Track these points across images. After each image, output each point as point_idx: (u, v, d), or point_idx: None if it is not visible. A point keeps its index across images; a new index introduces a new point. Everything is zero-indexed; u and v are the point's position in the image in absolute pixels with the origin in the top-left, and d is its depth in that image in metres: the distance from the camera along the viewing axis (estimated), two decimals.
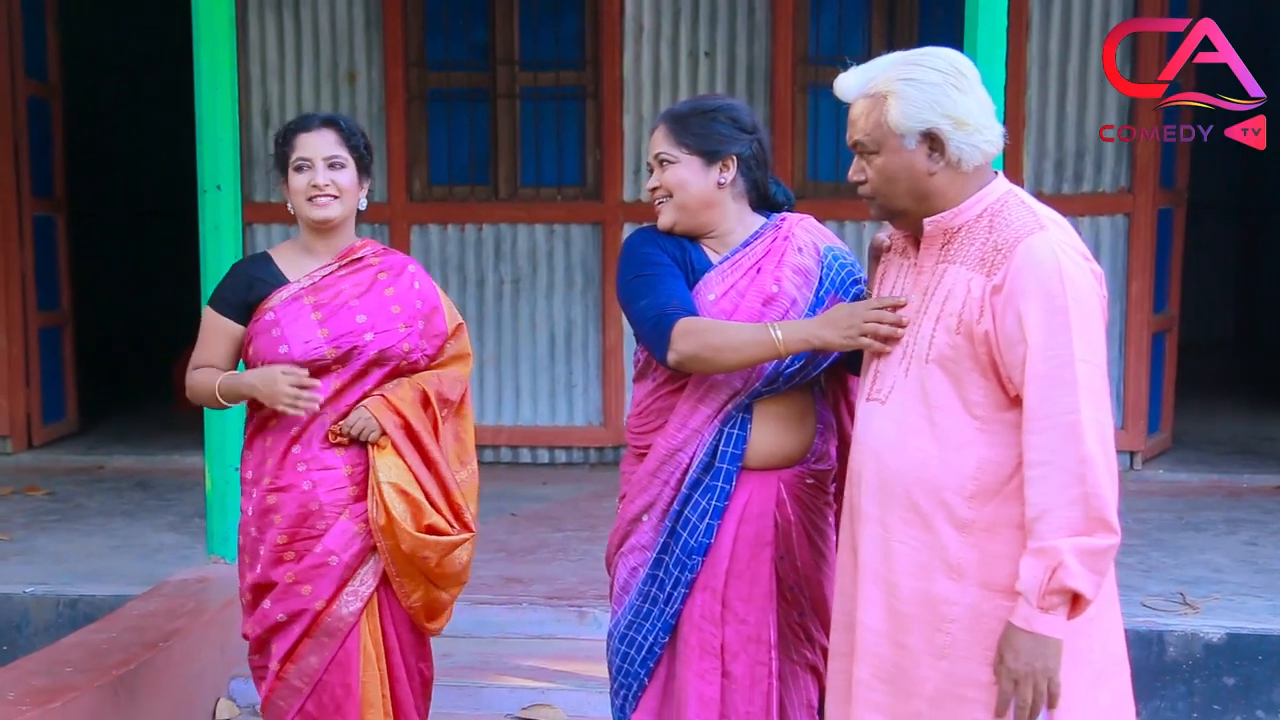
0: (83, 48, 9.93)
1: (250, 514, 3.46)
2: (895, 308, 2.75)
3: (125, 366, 10.74)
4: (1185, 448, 7.91)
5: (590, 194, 7.63)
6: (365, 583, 3.43)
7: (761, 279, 3.08)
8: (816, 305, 3.06)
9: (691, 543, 3.08)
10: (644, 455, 3.17)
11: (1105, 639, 2.68)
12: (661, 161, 3.12)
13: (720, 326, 2.98)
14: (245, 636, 3.56)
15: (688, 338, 2.94)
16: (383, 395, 3.41)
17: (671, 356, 2.96)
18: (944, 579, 2.61)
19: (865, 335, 2.78)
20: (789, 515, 3.13)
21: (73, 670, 4.13)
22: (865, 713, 2.74)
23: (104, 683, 4.06)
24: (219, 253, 5.03)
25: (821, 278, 3.11)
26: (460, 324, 3.65)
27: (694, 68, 7.53)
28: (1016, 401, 2.56)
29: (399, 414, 3.40)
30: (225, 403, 3.44)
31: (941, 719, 2.64)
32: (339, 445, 3.39)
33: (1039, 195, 6.61)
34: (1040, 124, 7.37)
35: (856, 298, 3.07)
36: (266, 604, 3.44)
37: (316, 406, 3.34)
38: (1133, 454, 7.37)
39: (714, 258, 3.12)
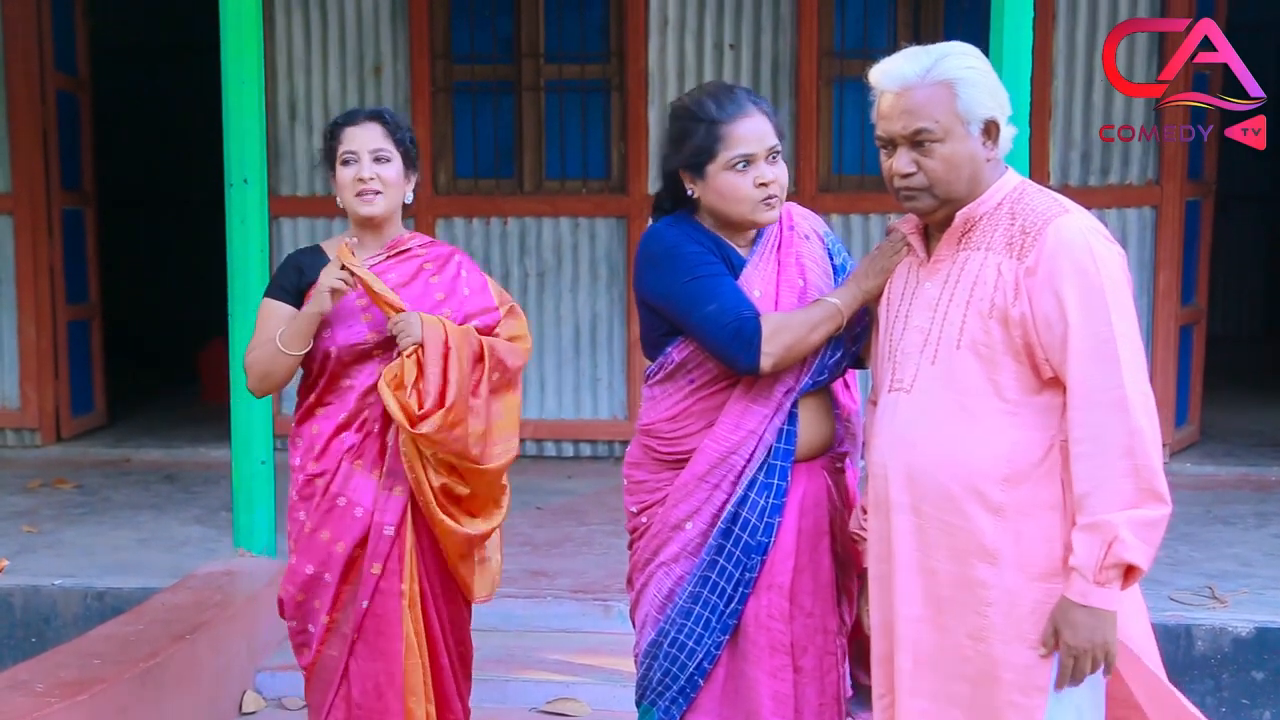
0: (111, 42, 9.97)
1: (295, 498, 3.52)
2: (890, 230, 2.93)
3: (153, 360, 10.78)
4: (1213, 441, 7.86)
5: (615, 187, 7.62)
6: (390, 522, 3.45)
7: (786, 272, 3.06)
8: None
9: (751, 543, 3.00)
10: (674, 461, 3.08)
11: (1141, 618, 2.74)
12: (776, 154, 3.03)
13: (794, 318, 2.95)
14: (284, 615, 3.56)
15: (777, 337, 2.91)
16: (443, 321, 3.42)
17: (766, 361, 2.91)
18: (980, 564, 2.63)
19: (894, 260, 2.91)
20: (835, 501, 3.12)
21: (101, 662, 4.15)
22: (911, 700, 2.76)
23: (132, 675, 4.09)
24: (245, 246, 5.05)
25: (836, 266, 3.13)
26: (513, 305, 3.69)
27: (719, 60, 7.50)
28: (1047, 384, 2.61)
29: (446, 342, 3.38)
30: (291, 351, 3.39)
31: (980, 699, 2.67)
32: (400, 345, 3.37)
33: (1065, 188, 6.61)
34: (1066, 116, 7.33)
35: None
36: (293, 559, 3.50)
37: (352, 252, 3.37)
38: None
39: (742, 252, 3.08)
